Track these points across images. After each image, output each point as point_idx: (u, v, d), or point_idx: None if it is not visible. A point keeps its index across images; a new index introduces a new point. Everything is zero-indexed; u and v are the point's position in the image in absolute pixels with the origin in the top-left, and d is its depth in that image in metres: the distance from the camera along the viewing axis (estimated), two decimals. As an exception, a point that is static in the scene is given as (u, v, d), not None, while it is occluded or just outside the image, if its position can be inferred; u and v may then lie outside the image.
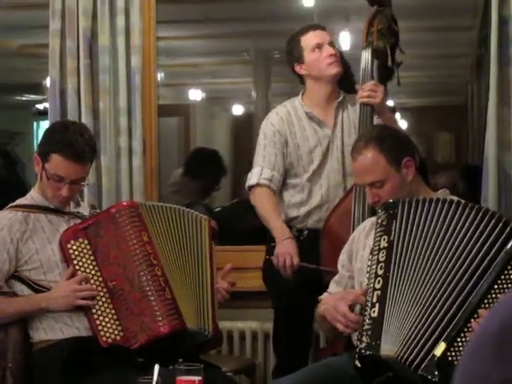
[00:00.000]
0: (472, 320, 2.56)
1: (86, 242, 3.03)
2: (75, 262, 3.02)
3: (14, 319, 2.99)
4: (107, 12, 3.94)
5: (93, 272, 3.02)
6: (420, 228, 2.75)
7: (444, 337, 2.57)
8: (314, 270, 3.46)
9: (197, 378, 2.43)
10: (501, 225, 2.68)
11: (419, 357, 2.57)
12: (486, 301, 2.58)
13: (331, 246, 3.44)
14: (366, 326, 2.66)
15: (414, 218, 2.77)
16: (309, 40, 3.67)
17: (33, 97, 9.84)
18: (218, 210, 5.54)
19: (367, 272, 2.79)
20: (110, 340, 2.94)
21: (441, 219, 2.74)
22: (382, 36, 3.58)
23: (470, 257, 2.66)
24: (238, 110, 10.31)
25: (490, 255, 2.65)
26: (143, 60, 4.00)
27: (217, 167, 5.56)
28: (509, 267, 2.62)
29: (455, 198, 2.86)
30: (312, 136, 3.67)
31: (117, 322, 2.96)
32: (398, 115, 9.26)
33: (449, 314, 2.60)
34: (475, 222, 2.70)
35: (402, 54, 3.65)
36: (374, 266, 2.75)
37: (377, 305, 2.68)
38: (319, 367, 2.91)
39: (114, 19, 3.95)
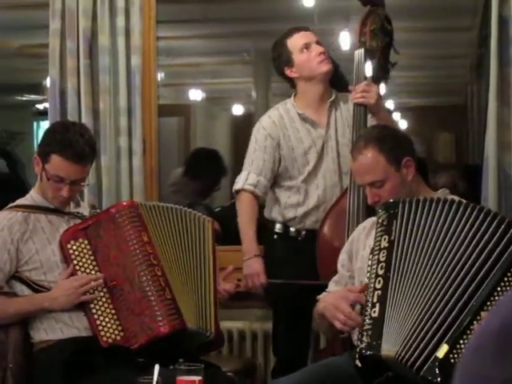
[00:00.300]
0: (474, 322, 2.55)
1: (85, 242, 3.03)
2: (75, 262, 3.02)
3: (14, 320, 2.99)
4: (107, 12, 3.94)
5: (93, 272, 3.02)
6: (421, 228, 2.74)
7: (446, 339, 2.56)
8: (284, 284, 3.55)
9: (197, 378, 2.43)
10: (504, 225, 2.66)
11: (420, 358, 2.56)
12: (488, 303, 2.57)
13: (327, 249, 3.47)
14: (367, 326, 2.66)
15: (415, 217, 2.77)
16: (295, 41, 3.64)
17: (33, 97, 9.84)
18: (218, 209, 5.53)
19: (368, 272, 2.78)
20: (110, 340, 2.94)
21: (442, 219, 2.73)
22: (375, 36, 3.57)
23: (472, 257, 2.65)
24: (238, 109, 10.30)
25: (493, 256, 2.63)
26: (143, 60, 4.00)
27: (217, 167, 5.55)
28: None
29: (456, 198, 2.85)
30: (306, 137, 3.65)
31: (117, 322, 2.96)
32: (398, 115, 9.29)
33: (451, 316, 2.59)
34: (477, 222, 2.69)
35: (397, 55, 3.64)
36: (375, 266, 2.74)
37: (377, 305, 2.68)
38: (319, 367, 2.91)
39: (113, 19, 3.96)
